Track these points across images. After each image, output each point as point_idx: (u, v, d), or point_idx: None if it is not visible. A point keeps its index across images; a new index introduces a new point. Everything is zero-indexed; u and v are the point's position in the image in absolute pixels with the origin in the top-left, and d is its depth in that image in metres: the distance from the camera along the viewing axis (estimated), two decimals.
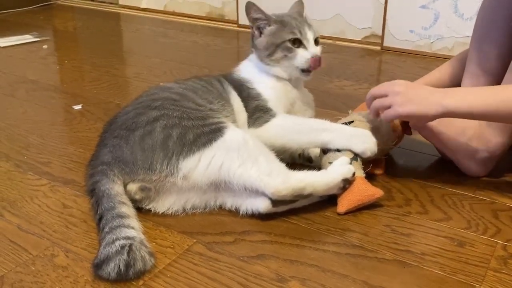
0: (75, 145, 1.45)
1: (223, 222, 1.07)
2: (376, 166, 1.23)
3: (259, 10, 1.25)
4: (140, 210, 1.08)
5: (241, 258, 0.96)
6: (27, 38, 2.65)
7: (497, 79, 1.25)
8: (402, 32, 2.40)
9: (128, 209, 1.00)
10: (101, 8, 3.49)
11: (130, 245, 0.91)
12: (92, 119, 1.62)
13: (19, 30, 2.83)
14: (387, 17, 2.41)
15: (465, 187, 1.22)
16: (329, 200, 1.12)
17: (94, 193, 1.03)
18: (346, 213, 1.09)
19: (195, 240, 1.02)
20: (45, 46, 2.53)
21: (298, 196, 1.05)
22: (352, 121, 1.20)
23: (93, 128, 1.55)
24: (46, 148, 1.43)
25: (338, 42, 2.55)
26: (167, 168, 1.03)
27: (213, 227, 1.06)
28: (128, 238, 0.93)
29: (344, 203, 1.09)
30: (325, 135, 1.14)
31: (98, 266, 0.90)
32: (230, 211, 1.10)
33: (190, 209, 1.10)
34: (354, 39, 2.56)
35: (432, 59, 2.26)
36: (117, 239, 0.93)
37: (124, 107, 1.20)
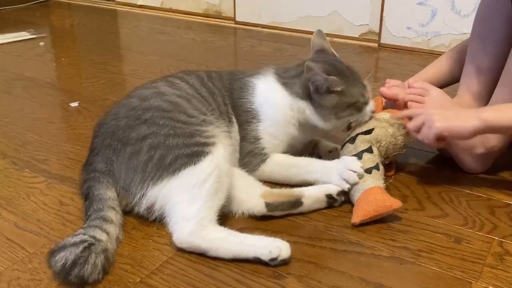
0: (72, 143, 1.44)
1: (220, 219, 1.07)
2: (389, 169, 1.23)
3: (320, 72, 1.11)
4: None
5: None
6: (24, 35, 2.64)
7: (494, 78, 1.26)
8: (399, 29, 2.39)
9: (114, 215, 0.99)
10: (98, 5, 3.48)
11: (90, 245, 0.89)
12: (89, 116, 1.62)
13: (15, 27, 2.82)
14: (384, 14, 2.41)
15: (461, 184, 1.22)
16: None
17: (88, 197, 1.02)
18: (360, 224, 1.05)
19: None
20: (41, 43, 2.52)
21: (200, 253, 0.97)
22: (373, 129, 1.17)
23: (90, 126, 1.54)
24: (43, 145, 1.42)
25: (335, 39, 2.55)
26: (139, 192, 1.01)
27: None
28: (94, 238, 0.91)
29: (359, 214, 1.05)
30: (310, 176, 1.15)
31: (51, 252, 0.88)
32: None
33: None
34: (351, 36, 2.55)
35: (429, 56, 2.26)
36: (84, 234, 0.91)
37: (113, 106, 1.17)
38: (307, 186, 1.13)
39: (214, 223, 0.99)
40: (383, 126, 1.18)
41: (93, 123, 1.56)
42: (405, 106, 1.27)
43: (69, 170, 1.28)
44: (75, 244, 0.88)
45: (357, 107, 1.15)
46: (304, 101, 1.16)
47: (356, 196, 1.08)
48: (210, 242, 0.96)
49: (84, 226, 0.96)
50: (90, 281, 0.87)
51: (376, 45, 2.48)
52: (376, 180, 1.09)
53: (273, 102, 1.19)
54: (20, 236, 1.02)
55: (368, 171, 1.10)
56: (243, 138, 1.19)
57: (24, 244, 1.00)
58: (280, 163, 1.18)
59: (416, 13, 2.32)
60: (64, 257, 0.86)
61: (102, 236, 0.93)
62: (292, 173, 1.17)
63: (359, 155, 1.13)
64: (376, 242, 1.01)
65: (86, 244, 0.88)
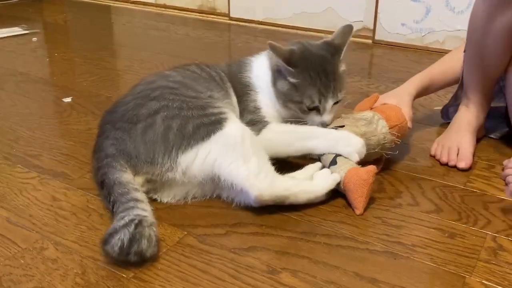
0: (65, 138, 1.43)
1: (215, 215, 1.07)
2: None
3: (284, 59, 1.13)
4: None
5: (233, 250, 0.96)
6: (17, 30, 2.62)
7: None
8: (393, 25, 2.40)
9: (141, 195, 1.00)
10: (92, 1, 3.46)
11: (141, 220, 0.91)
12: (82, 112, 1.61)
13: (8, 22, 2.80)
14: (378, 11, 2.41)
15: (455, 179, 1.22)
16: None
17: (104, 184, 1.02)
18: (355, 219, 1.06)
19: (186, 233, 1.01)
20: (34, 39, 2.50)
21: (279, 203, 1.05)
22: (343, 126, 1.17)
23: (83, 121, 1.54)
24: (35, 141, 1.41)
25: (330, 36, 2.55)
26: (167, 162, 1.03)
27: (204, 219, 1.06)
28: (139, 215, 0.92)
29: (357, 203, 1.06)
30: (311, 142, 1.15)
31: (104, 240, 0.89)
32: (221, 203, 1.10)
33: (191, 199, 1.10)
34: None
35: (424, 53, 2.26)
36: (128, 215, 0.92)
37: (123, 96, 1.18)
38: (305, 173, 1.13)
39: (277, 174, 1.05)
40: (356, 125, 1.17)
41: (86, 118, 1.56)
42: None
43: (62, 166, 1.27)
44: (126, 225, 0.89)
45: (302, 108, 1.15)
46: (270, 74, 1.20)
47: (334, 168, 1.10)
48: (287, 190, 1.04)
49: (119, 211, 0.94)
50: (148, 256, 0.90)
51: (371, 41, 2.48)
52: (347, 163, 1.10)
53: (264, 77, 1.21)
54: (12, 231, 1.02)
55: (333, 162, 1.11)
56: (243, 109, 1.21)
57: (17, 240, 0.99)
58: (282, 129, 1.18)
59: (410, 10, 2.33)
60: (119, 239, 0.88)
61: (145, 212, 0.94)
62: (292, 139, 1.16)
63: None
64: (370, 237, 1.01)
65: (136, 221, 0.90)
